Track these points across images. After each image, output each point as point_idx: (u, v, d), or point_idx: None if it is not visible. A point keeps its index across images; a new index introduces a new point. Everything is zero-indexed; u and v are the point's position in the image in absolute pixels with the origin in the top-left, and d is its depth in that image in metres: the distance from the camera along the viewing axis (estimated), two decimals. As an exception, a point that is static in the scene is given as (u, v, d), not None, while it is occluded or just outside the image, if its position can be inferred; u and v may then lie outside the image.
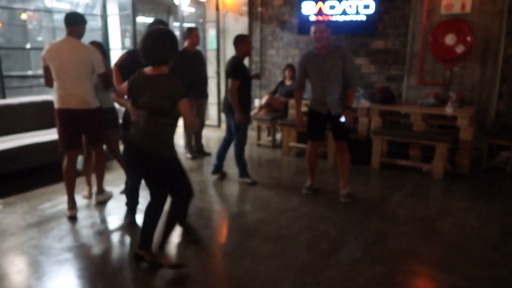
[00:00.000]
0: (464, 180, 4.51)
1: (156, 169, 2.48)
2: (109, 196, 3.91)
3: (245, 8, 6.95)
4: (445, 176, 4.51)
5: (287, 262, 2.76)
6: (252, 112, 4.11)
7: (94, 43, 3.72)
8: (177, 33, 6.38)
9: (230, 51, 7.27)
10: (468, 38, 4.97)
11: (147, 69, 2.45)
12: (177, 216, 2.73)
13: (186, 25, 7.17)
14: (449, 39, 5.09)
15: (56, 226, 3.31)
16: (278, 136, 6.09)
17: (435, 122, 5.02)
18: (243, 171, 4.37)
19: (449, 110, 4.62)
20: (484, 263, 2.75)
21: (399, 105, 5.29)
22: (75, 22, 3.38)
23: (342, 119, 3.68)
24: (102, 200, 3.81)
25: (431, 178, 4.54)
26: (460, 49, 5.04)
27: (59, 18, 10.21)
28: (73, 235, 3.19)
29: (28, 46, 9.21)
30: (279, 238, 3.12)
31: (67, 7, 10.18)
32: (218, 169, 4.54)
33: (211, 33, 7.45)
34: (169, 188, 2.60)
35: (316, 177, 4.09)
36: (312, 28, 3.62)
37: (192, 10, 10.17)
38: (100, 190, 3.83)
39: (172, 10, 10.70)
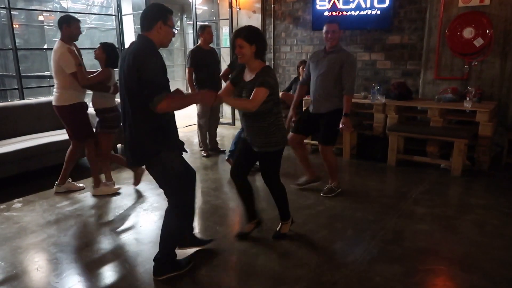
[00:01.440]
0: (483, 177, 4.41)
1: None
2: (105, 192, 3.99)
3: (258, 5, 6.92)
4: (464, 173, 4.41)
5: (303, 260, 2.74)
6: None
7: (102, 44, 3.82)
8: (190, 31, 6.41)
9: (243, 49, 7.26)
10: (488, 31, 4.85)
11: None
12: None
13: (200, 23, 7.18)
14: (468, 33, 4.97)
15: (74, 224, 3.36)
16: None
17: (453, 117, 4.92)
18: None
19: (467, 105, 4.52)
20: (507, 262, 2.68)
21: (416, 100, 5.20)
22: (59, 25, 3.77)
23: (341, 125, 3.67)
24: (95, 194, 3.98)
25: (450, 175, 4.45)
26: (479, 42, 4.91)
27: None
28: (92, 233, 3.23)
29: (45, 46, 9.37)
30: (295, 236, 3.10)
31: (82, 7, 10.32)
32: (232, 156, 4.56)
33: (225, 30, 7.45)
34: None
35: (335, 175, 4.02)
36: (325, 28, 3.65)
37: (205, 8, 10.19)
38: (95, 184, 3.99)
39: (185, 8, 10.76)
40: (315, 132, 4.09)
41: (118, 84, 3.29)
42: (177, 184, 2.45)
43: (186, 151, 2.53)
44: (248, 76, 2.72)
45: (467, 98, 4.55)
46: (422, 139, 4.79)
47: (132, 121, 2.31)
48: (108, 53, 3.75)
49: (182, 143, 2.49)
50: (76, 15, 3.92)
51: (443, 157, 4.74)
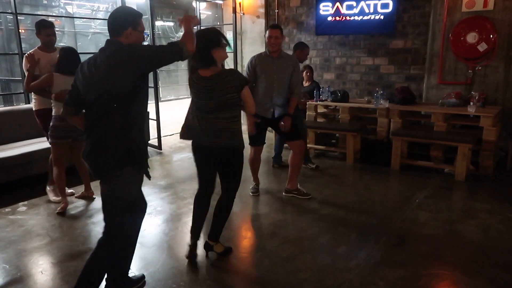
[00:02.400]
0: (488, 182, 4.39)
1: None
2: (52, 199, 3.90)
3: (262, 10, 6.95)
4: (468, 178, 4.40)
5: (306, 264, 2.74)
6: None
7: (60, 49, 3.74)
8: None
9: (247, 53, 7.30)
10: (491, 36, 4.85)
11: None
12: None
13: (203, 28, 7.23)
14: (471, 37, 4.97)
15: (79, 228, 3.38)
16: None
17: (457, 122, 4.91)
18: (306, 158, 4.71)
19: (471, 110, 4.51)
20: (511, 267, 2.67)
21: (420, 105, 5.20)
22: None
23: (282, 123, 3.72)
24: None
25: (453, 180, 4.44)
26: (482, 47, 4.91)
27: (80, 23, 10.48)
28: (96, 236, 3.24)
29: (50, 51, 9.45)
30: (298, 240, 3.11)
31: (87, 12, 10.42)
32: (277, 161, 5.05)
33: (228, 35, 7.48)
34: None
35: (331, 178, 4.03)
36: (268, 33, 3.72)
37: (209, 13, 10.26)
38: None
39: (189, 13, 10.81)
40: (264, 138, 4.04)
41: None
42: (126, 210, 2.20)
43: (149, 178, 2.33)
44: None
45: (471, 103, 4.54)
46: (426, 144, 4.78)
47: (101, 127, 2.11)
48: (60, 58, 3.56)
49: (148, 167, 2.29)
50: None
51: (447, 162, 4.73)
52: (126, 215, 2.20)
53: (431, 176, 4.56)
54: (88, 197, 3.96)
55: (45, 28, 3.75)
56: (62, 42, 9.87)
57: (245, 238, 3.24)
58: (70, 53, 3.58)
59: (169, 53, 2.12)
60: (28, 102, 5.22)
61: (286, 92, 3.79)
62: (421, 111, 5.23)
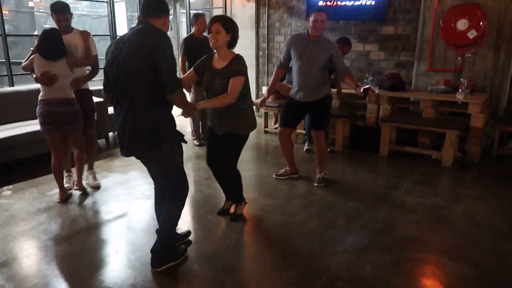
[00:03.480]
0: (474, 168, 4.45)
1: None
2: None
3: (252, -6, 6.84)
4: (454, 164, 4.45)
5: (294, 249, 2.76)
6: (259, 100, 4.09)
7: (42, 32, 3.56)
8: (183, 19, 6.33)
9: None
10: (481, 23, 4.85)
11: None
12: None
13: (193, 11, 7.10)
14: (461, 24, 4.96)
15: (65, 212, 3.34)
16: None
17: (446, 109, 4.93)
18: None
19: (459, 96, 4.53)
20: (495, 252, 2.72)
21: (409, 91, 5.21)
22: None
23: (366, 87, 3.41)
24: None
25: (441, 166, 4.48)
26: (472, 34, 4.91)
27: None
28: (83, 221, 3.21)
29: (35, 33, 9.22)
30: (287, 225, 3.12)
31: (73, -7, 10.14)
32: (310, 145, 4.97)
33: (218, 19, 7.37)
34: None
35: (323, 164, 4.04)
36: (313, 16, 3.59)
37: (199, -4, 10.07)
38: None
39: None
40: (297, 123, 4.07)
41: (55, 76, 3.31)
42: (179, 175, 2.45)
43: (185, 142, 2.47)
44: (220, 64, 2.73)
45: (460, 90, 4.56)
46: (415, 130, 4.81)
47: (135, 110, 2.19)
48: (39, 41, 3.41)
49: (182, 134, 2.44)
50: (67, 2, 3.72)
51: (434, 148, 4.77)
52: (178, 175, 2.44)
53: (419, 163, 4.60)
54: (78, 188, 3.76)
55: (56, 14, 3.54)
56: (47, 24, 9.63)
57: (233, 223, 3.23)
58: (49, 36, 3.37)
59: (172, 84, 2.14)
60: (12, 85, 5.10)
61: (321, 76, 3.69)
62: (410, 98, 5.24)
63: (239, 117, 2.81)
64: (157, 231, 2.65)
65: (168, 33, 2.38)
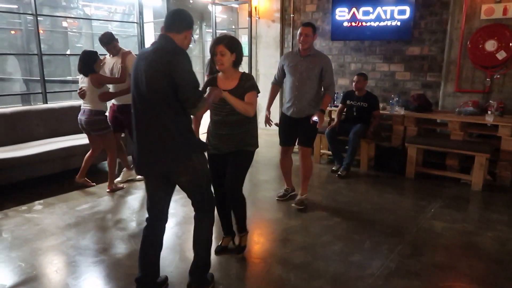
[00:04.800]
0: (505, 193, 4.31)
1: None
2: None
3: (277, 15, 6.96)
4: (484, 188, 4.32)
5: (319, 272, 2.72)
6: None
7: None
8: (209, 39, 6.50)
9: (261, 57, 7.31)
10: (511, 44, 4.77)
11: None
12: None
13: (219, 31, 7.27)
14: (490, 45, 4.90)
15: (93, 228, 3.41)
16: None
17: (474, 131, 4.83)
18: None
19: (489, 119, 4.44)
20: (529, 281, 2.61)
21: (436, 113, 5.13)
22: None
23: (314, 118, 3.59)
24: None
25: (470, 189, 4.36)
26: (501, 55, 4.83)
27: (98, 25, 10.63)
28: (110, 237, 3.27)
29: (68, 52, 9.60)
30: (311, 247, 3.08)
31: (105, 14, 10.56)
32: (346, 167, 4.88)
33: (243, 39, 7.51)
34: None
35: (344, 185, 4.00)
36: (299, 29, 3.69)
37: (225, 16, 10.30)
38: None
39: (205, 16, 10.89)
40: (294, 139, 4.01)
41: (84, 91, 4.01)
42: (208, 186, 2.41)
43: (209, 150, 2.46)
44: (228, 84, 2.67)
45: (489, 112, 4.47)
46: (441, 152, 4.72)
47: (162, 126, 2.16)
48: (79, 59, 4.06)
49: (205, 143, 2.42)
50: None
51: (463, 171, 4.66)
52: (209, 188, 2.41)
53: (447, 185, 4.50)
54: (109, 191, 4.24)
55: (104, 45, 4.21)
56: (79, 43, 10.02)
57: (257, 244, 3.22)
58: (82, 55, 4.04)
59: (193, 98, 2.15)
60: (46, 102, 5.31)
61: (311, 92, 3.71)
62: (437, 119, 5.16)
63: (247, 133, 2.76)
64: (136, 279, 2.40)
65: (191, 45, 2.40)
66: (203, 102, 2.20)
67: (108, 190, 4.21)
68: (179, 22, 2.23)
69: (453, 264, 2.84)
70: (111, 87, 4.18)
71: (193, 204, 2.41)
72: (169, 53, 2.12)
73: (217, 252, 2.95)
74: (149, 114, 2.18)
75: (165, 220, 2.44)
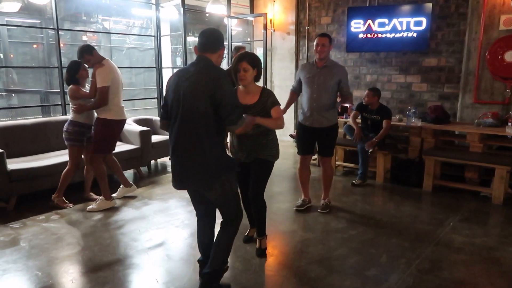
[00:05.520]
0: (527, 207, 4.18)
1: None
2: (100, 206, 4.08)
3: (292, 27, 7.01)
4: (505, 202, 4.21)
5: (335, 286, 2.67)
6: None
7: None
8: (225, 51, 6.56)
9: (276, 69, 7.34)
10: (531, 55, 4.68)
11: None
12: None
13: (234, 44, 7.34)
14: (509, 56, 4.82)
15: (108, 238, 3.44)
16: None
17: (494, 143, 4.72)
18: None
19: (509, 131, 4.34)
20: (555, 299, 2.51)
21: (454, 124, 5.05)
22: None
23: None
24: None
25: (490, 203, 4.25)
26: (521, 66, 4.74)
27: (116, 38, 10.88)
28: (125, 248, 3.28)
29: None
30: (326, 260, 3.04)
31: (123, 27, 10.81)
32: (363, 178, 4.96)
33: (259, 51, 7.57)
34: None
35: (360, 197, 3.96)
36: (316, 40, 3.73)
37: (240, 29, 10.42)
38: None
39: (220, 29, 11.00)
40: (312, 148, 4.07)
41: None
42: (236, 203, 2.50)
43: (239, 169, 2.55)
44: (249, 99, 2.83)
45: (509, 124, 4.37)
46: (460, 165, 4.62)
47: (198, 145, 2.25)
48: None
49: (235, 163, 2.49)
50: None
51: (482, 184, 4.55)
52: (237, 205, 2.51)
53: (466, 199, 4.39)
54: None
55: (78, 59, 3.99)
56: (98, 56, 10.24)
57: (272, 256, 3.19)
58: (68, 66, 4.02)
59: (235, 116, 2.27)
60: (65, 113, 5.43)
61: (328, 103, 3.75)
62: (455, 131, 5.07)
63: (267, 145, 2.94)
64: (199, 260, 2.66)
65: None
66: (242, 120, 2.33)
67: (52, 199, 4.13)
68: (214, 42, 2.33)
69: (473, 280, 2.76)
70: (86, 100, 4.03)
71: (221, 215, 2.53)
72: (213, 75, 2.24)
73: (244, 241, 3.30)
74: (187, 132, 2.27)
75: (212, 216, 2.64)
